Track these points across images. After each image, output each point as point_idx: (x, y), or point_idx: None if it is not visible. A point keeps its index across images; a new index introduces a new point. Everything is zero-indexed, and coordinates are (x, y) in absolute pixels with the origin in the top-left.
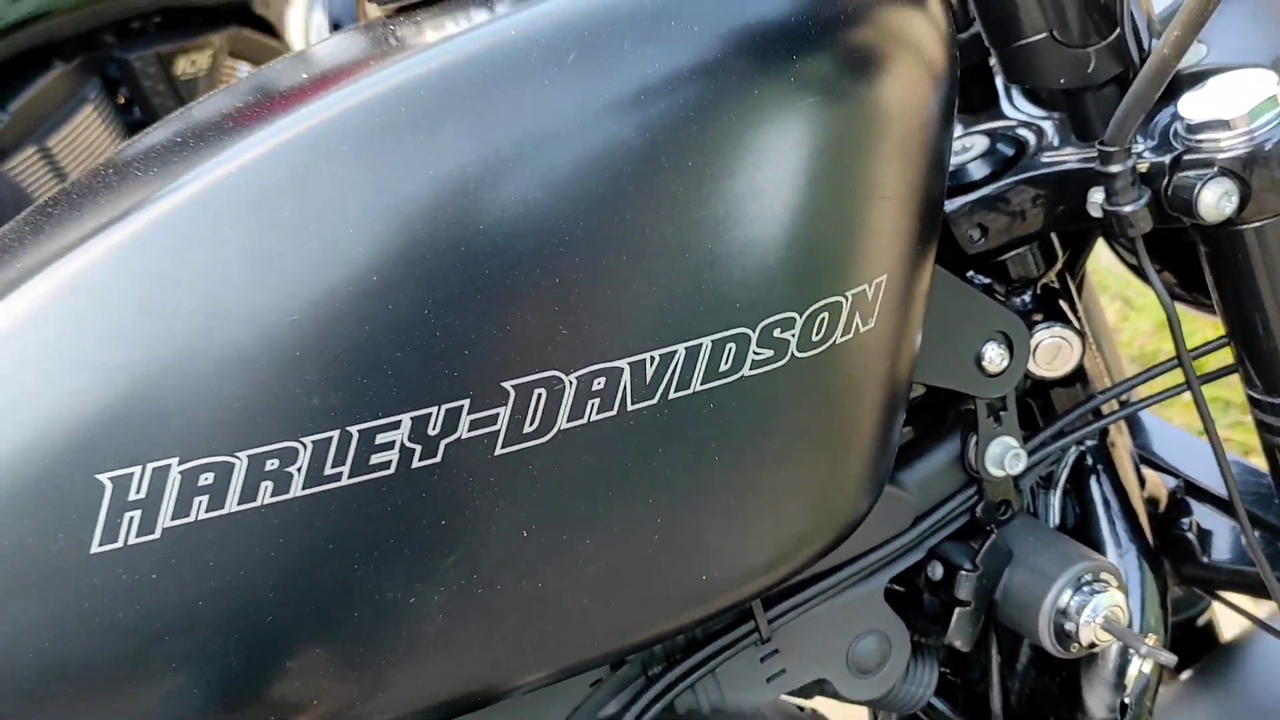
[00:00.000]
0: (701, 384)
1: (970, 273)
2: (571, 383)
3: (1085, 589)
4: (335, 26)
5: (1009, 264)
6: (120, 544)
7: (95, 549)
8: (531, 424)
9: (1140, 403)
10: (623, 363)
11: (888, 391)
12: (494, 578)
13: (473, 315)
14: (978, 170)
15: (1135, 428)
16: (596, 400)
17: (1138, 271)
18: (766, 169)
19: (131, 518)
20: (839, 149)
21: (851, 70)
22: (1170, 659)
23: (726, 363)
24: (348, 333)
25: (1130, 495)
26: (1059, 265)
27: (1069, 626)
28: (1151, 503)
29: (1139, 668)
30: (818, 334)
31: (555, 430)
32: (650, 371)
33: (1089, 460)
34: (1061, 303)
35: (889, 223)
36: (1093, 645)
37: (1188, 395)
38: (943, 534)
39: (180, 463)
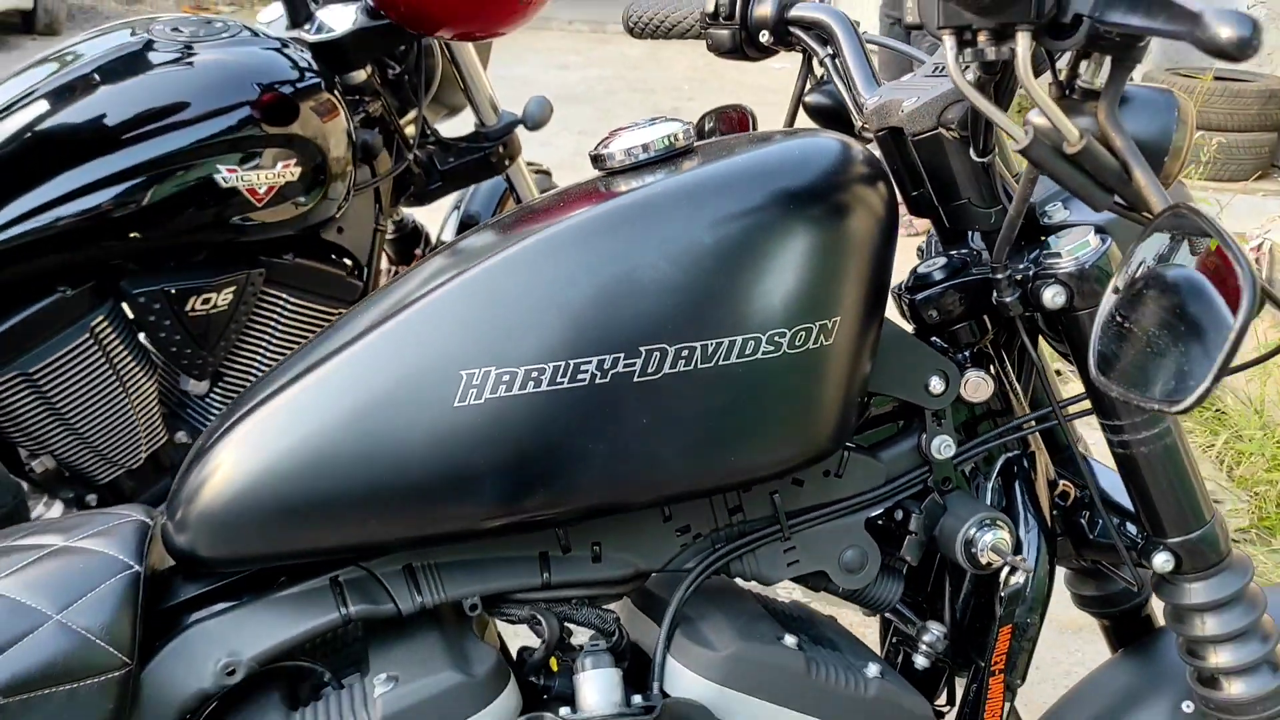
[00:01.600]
0: (736, 359)
1: (933, 337)
2: (671, 351)
3: (985, 527)
4: (469, 223)
5: (957, 333)
6: (465, 403)
7: (454, 405)
8: (651, 368)
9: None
10: (698, 343)
11: (844, 379)
12: (629, 434)
13: (635, 319)
14: (937, 276)
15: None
16: (683, 360)
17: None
18: (781, 259)
19: (471, 391)
20: (823, 252)
21: (834, 213)
22: (1028, 567)
23: (749, 350)
24: (580, 324)
25: (1040, 491)
26: (989, 336)
27: (973, 550)
28: (1063, 497)
29: (1013, 579)
30: (799, 341)
31: (662, 373)
32: (712, 349)
33: (1014, 464)
34: (988, 357)
35: (847, 290)
36: (989, 564)
37: None
38: (905, 493)
39: (497, 369)
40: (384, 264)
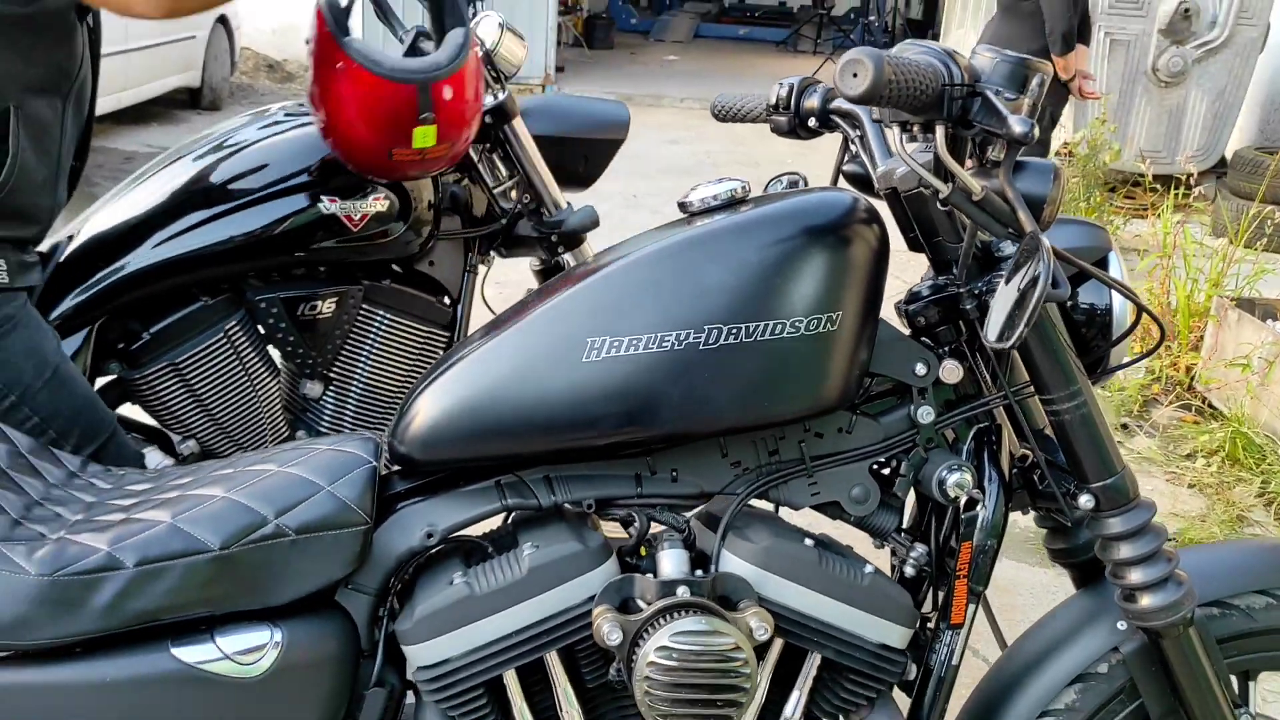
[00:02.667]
0: (769, 336)
1: (922, 336)
2: (726, 329)
3: (953, 470)
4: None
5: (939, 333)
6: (589, 360)
7: (582, 361)
8: (711, 341)
9: (989, 401)
10: (744, 324)
11: (845, 356)
12: (696, 384)
13: (703, 307)
14: (923, 293)
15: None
16: (733, 336)
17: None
18: (801, 272)
19: (594, 352)
20: (829, 268)
21: (838, 242)
22: (977, 495)
23: (778, 331)
24: (666, 310)
25: (1002, 453)
26: (964, 336)
27: (944, 487)
28: (1022, 460)
29: (975, 509)
30: (812, 326)
31: (719, 344)
32: (753, 329)
33: (984, 433)
34: (962, 352)
35: (848, 294)
36: (955, 497)
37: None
38: (899, 448)
39: (610, 337)
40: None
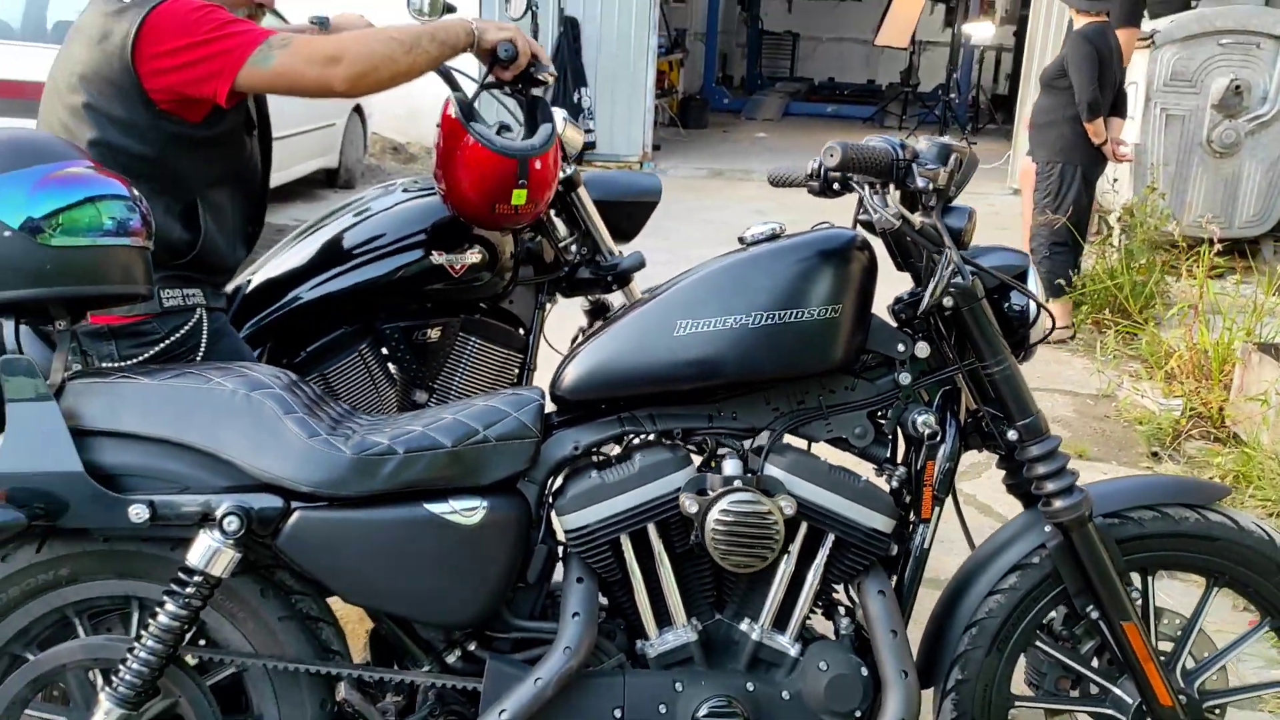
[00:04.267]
0: (790, 320)
1: (904, 327)
2: (765, 314)
3: (920, 413)
4: (600, 309)
5: (915, 324)
6: (677, 335)
7: (674, 335)
8: (754, 322)
9: (948, 370)
10: (775, 311)
11: (844, 336)
12: (746, 351)
13: (750, 301)
14: (905, 298)
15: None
16: (768, 319)
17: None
18: (813, 279)
19: (681, 330)
20: (831, 277)
21: (839, 262)
22: (935, 427)
23: (795, 316)
24: (726, 302)
25: (961, 409)
26: (932, 326)
27: (916, 426)
28: (976, 414)
29: (936, 443)
30: (819, 314)
31: (761, 324)
32: (781, 315)
33: (949, 395)
34: (932, 335)
35: (845, 295)
36: (921, 432)
37: None
38: (887, 402)
39: (692, 320)
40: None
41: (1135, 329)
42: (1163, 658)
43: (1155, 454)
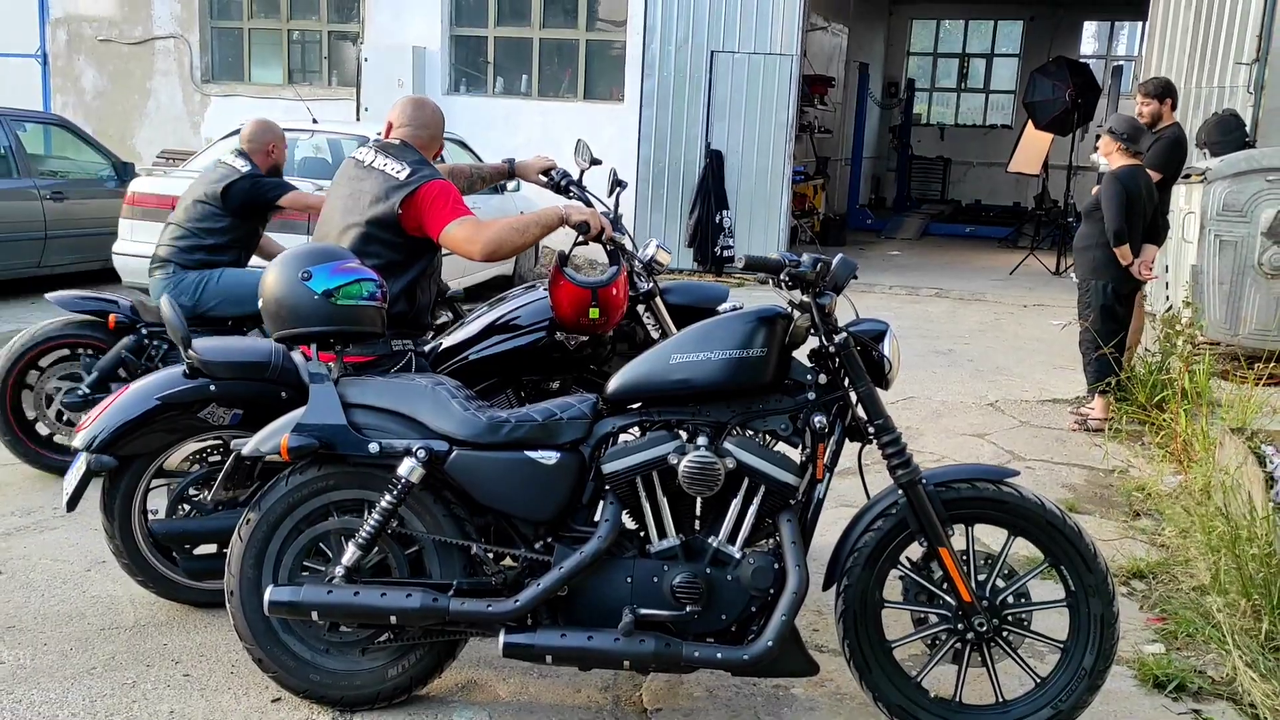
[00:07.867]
0: (739, 355)
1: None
2: (726, 352)
3: (820, 418)
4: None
5: (823, 363)
6: (673, 363)
7: (671, 363)
8: (720, 356)
9: (839, 393)
10: (732, 350)
11: (768, 366)
12: (717, 369)
13: (717, 343)
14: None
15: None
16: (729, 354)
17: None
18: (750, 332)
19: (676, 359)
20: (762, 332)
21: (766, 324)
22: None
23: (737, 355)
24: (705, 346)
25: (848, 415)
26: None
27: (817, 425)
28: (856, 417)
29: (825, 440)
30: (750, 354)
31: (723, 358)
32: (734, 352)
33: (843, 407)
34: (829, 370)
35: (774, 341)
36: (820, 429)
37: None
38: (801, 409)
39: (684, 354)
40: None
41: (1159, 420)
42: (980, 578)
43: (1139, 514)
